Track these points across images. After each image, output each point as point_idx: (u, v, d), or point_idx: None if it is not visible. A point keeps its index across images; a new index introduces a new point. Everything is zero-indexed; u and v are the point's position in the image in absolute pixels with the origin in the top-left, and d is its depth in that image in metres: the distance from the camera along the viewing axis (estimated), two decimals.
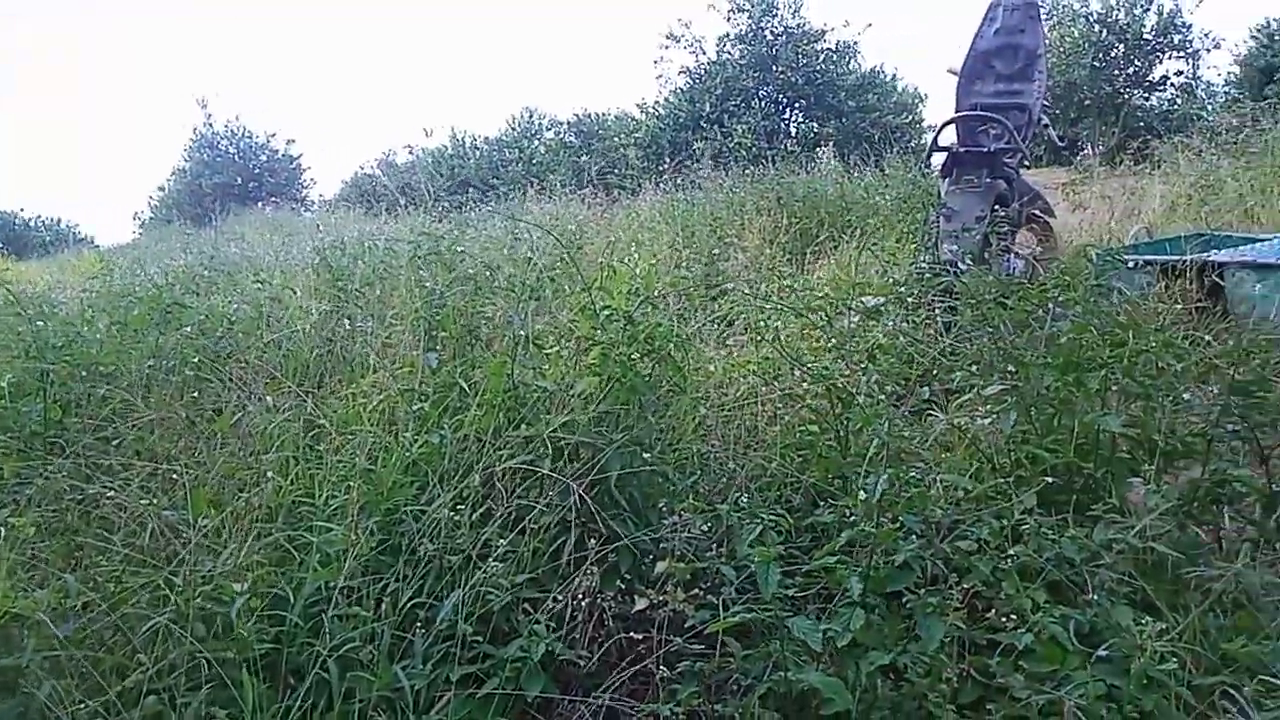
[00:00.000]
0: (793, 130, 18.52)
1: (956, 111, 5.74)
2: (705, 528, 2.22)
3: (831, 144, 12.29)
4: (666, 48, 18.88)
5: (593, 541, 2.29)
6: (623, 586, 2.28)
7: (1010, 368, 2.80)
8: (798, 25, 18.36)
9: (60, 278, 10.28)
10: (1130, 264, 4.45)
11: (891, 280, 4.78)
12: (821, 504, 2.62)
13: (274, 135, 26.37)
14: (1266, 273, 4.13)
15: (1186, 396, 2.53)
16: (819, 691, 1.93)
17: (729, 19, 18.41)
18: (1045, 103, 5.80)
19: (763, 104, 17.97)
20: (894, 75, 19.43)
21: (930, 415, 2.93)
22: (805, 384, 3.19)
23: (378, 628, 2.12)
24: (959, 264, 4.33)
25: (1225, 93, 17.48)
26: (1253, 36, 17.17)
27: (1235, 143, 8.53)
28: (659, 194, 10.09)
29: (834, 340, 3.44)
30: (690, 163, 12.15)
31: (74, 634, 1.97)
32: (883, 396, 2.96)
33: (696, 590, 2.08)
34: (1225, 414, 2.40)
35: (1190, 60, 17.63)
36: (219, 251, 8.52)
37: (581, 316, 2.96)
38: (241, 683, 1.94)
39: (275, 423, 2.91)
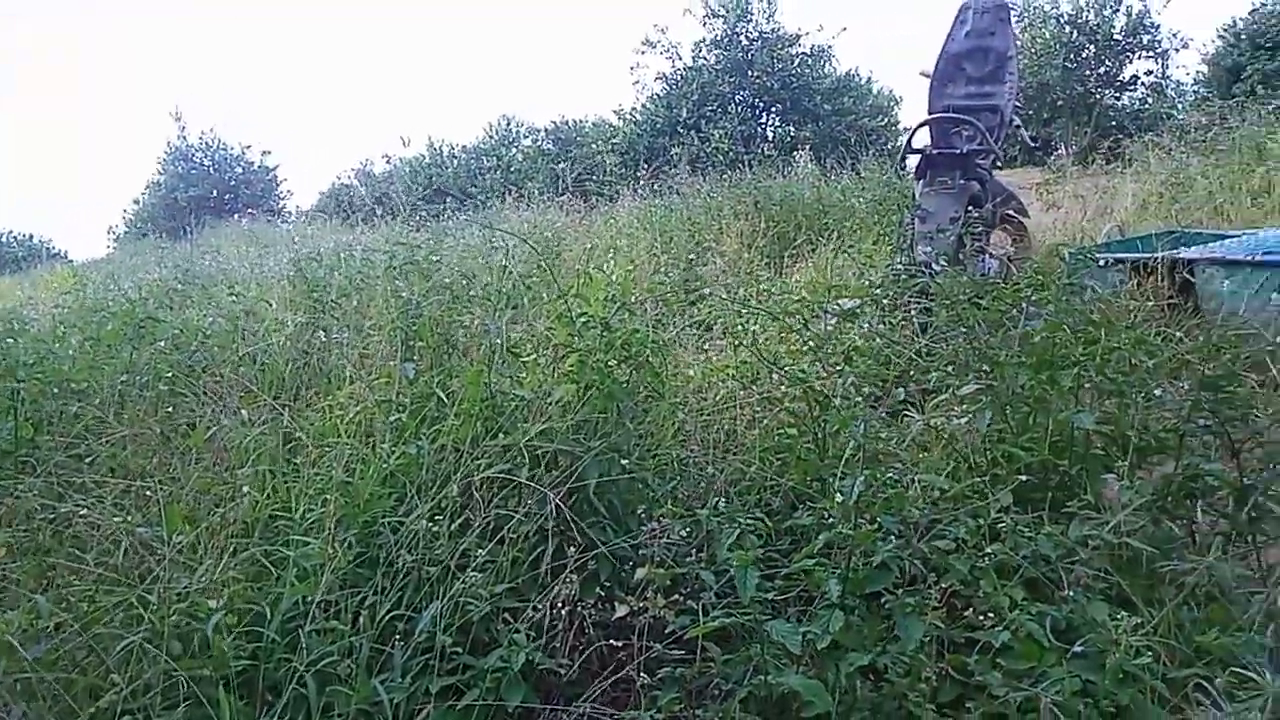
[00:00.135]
0: (769, 134, 18.60)
1: (930, 114, 5.79)
2: (685, 533, 2.22)
3: (808, 147, 12.33)
4: (643, 53, 18.98)
5: (572, 549, 2.28)
6: (602, 594, 2.27)
7: (985, 367, 2.82)
8: (772, 30, 18.47)
9: (32, 294, 10.18)
10: (1102, 262, 4.49)
11: (868, 282, 4.81)
12: (800, 506, 2.62)
13: (249, 147, 26.26)
14: (1235, 269, 4.18)
15: (1159, 393, 2.55)
16: (799, 694, 1.93)
17: (705, 24, 18.51)
18: (1017, 104, 5.86)
19: (739, 109, 18.05)
20: (869, 78, 19.59)
21: (907, 416, 2.94)
22: (783, 387, 3.20)
23: (356, 641, 2.10)
24: (934, 265, 4.36)
25: (1194, 92, 17.74)
26: (1219, 36, 17.41)
27: (1204, 141, 8.65)
28: (637, 200, 10.11)
29: (811, 343, 3.45)
30: (668, 168, 12.18)
31: (46, 655, 1.95)
32: (860, 398, 2.98)
33: (676, 596, 2.08)
34: (1196, 409, 2.43)
35: (1159, 60, 17.90)
36: (194, 265, 8.46)
37: (559, 324, 2.96)
38: (218, 700, 1.92)
39: (251, 436, 2.88)
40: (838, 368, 3.28)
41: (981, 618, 1.99)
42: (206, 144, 25.71)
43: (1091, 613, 1.95)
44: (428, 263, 4.81)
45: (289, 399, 3.60)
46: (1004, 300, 3.21)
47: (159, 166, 25.54)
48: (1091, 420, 2.53)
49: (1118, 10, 17.44)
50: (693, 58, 18.63)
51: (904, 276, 4.39)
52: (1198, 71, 18.09)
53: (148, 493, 2.52)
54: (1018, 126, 6.01)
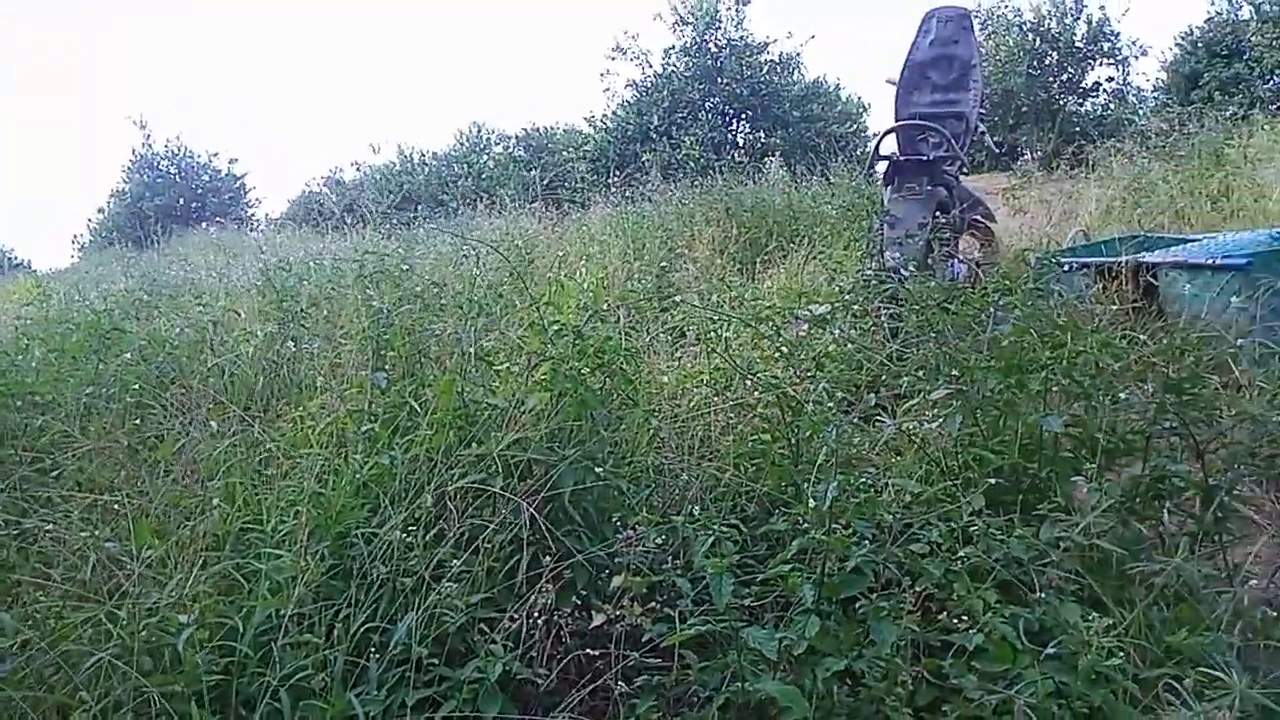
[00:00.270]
0: (740, 141, 18.70)
1: (896, 121, 5.86)
2: (660, 540, 2.22)
3: (778, 154, 12.42)
4: (614, 59, 18.99)
5: (547, 558, 2.28)
6: (579, 603, 2.27)
7: (955, 371, 2.85)
8: (740, 37, 18.58)
9: None
10: (1068, 267, 4.56)
11: (839, 288, 4.85)
12: (775, 512, 2.63)
13: (216, 154, 25.93)
14: (1196, 273, 4.25)
15: (1125, 395, 2.59)
16: (777, 700, 1.94)
17: (674, 31, 18.57)
18: (982, 111, 5.95)
19: (709, 115, 18.13)
20: (837, 85, 19.76)
21: (879, 420, 2.97)
22: (757, 393, 3.21)
23: (330, 654, 2.08)
24: (903, 270, 4.40)
25: (1154, 98, 18.05)
26: (1177, 44, 17.77)
27: (1165, 146, 8.80)
28: (609, 207, 10.11)
29: (784, 349, 3.47)
30: (639, 175, 12.20)
31: (12, 674, 1.91)
32: (832, 404, 3.00)
33: (653, 604, 2.08)
34: (1162, 411, 2.47)
35: (1120, 67, 18.20)
36: (161, 274, 8.35)
37: (531, 332, 2.95)
38: (190, 716, 1.90)
39: (221, 448, 2.85)
40: (810, 373, 3.30)
41: (956, 621, 2.00)
42: (172, 152, 25.38)
43: (1064, 614, 1.97)
44: (399, 271, 4.79)
45: (259, 410, 3.56)
46: (972, 305, 3.25)
47: (124, 175, 25.19)
48: (1060, 423, 2.57)
49: (1079, 18, 17.74)
50: (663, 65, 18.70)
51: (874, 282, 4.43)
52: (1157, 78, 18.46)
53: (116, 507, 2.48)
54: (983, 133, 6.11)
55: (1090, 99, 18.39)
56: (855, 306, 4.09)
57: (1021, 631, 1.94)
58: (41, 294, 7.49)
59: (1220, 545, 2.34)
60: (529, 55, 38.43)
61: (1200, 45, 17.10)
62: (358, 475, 2.56)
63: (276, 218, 22.42)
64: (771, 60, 18.72)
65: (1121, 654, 1.82)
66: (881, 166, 5.69)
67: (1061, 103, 17.86)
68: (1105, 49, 17.86)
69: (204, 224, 21.29)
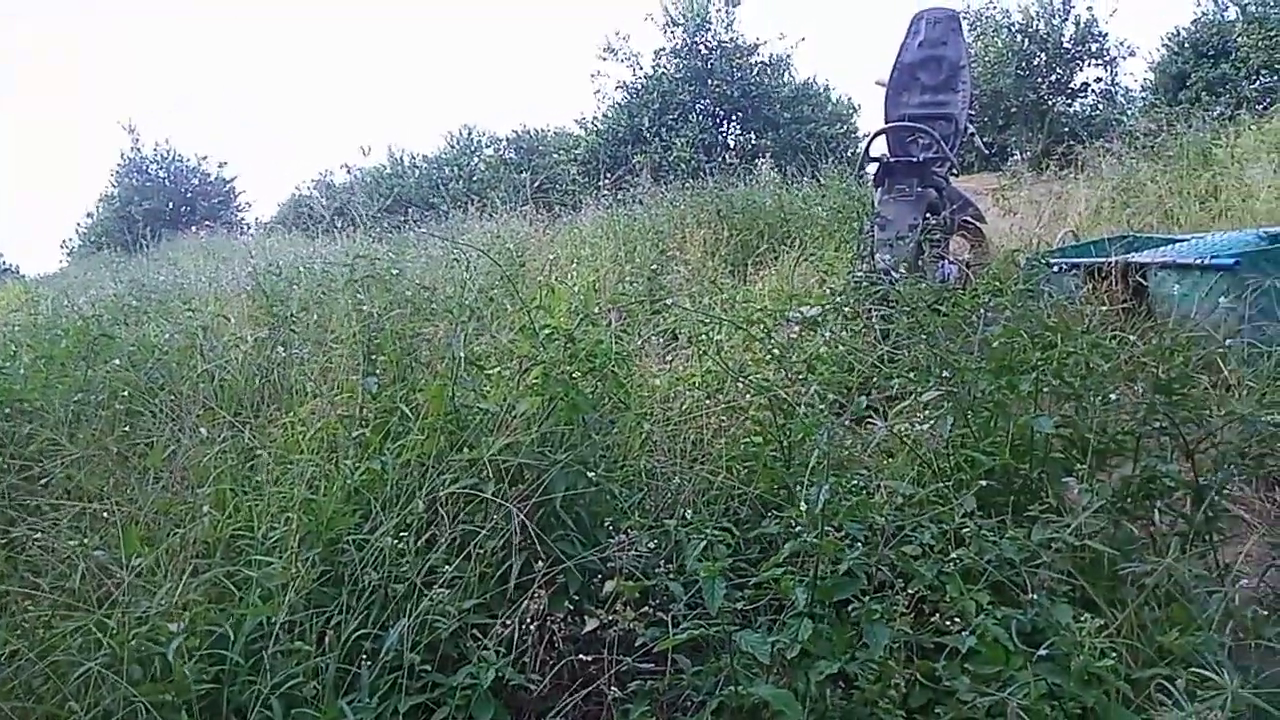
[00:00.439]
0: (730, 143, 18.72)
1: (886, 122, 5.87)
2: (653, 544, 2.22)
3: (769, 155, 12.44)
4: (604, 60, 19.01)
5: (540, 564, 2.27)
6: (571, 608, 2.27)
7: (946, 373, 2.85)
8: (731, 39, 18.60)
9: None
10: (1058, 267, 4.57)
11: (830, 289, 4.85)
12: (768, 515, 2.63)
13: (205, 158, 25.83)
14: (1185, 273, 4.26)
15: (1115, 396, 2.59)
16: (770, 704, 1.93)
17: (665, 32, 18.59)
18: (971, 112, 5.96)
19: (700, 117, 18.14)
20: (827, 86, 19.79)
21: (871, 422, 2.97)
22: (748, 396, 3.21)
23: (322, 662, 2.07)
24: (894, 272, 4.41)
25: (1142, 98, 18.13)
26: (1164, 45, 17.85)
27: (1153, 146, 8.84)
28: (600, 209, 10.11)
29: (775, 351, 3.47)
30: (630, 177, 12.20)
31: (0, 684, 1.89)
32: (824, 406, 3.00)
33: (646, 608, 2.08)
34: (1152, 412, 2.47)
35: (1108, 67, 18.31)
36: (150, 279, 8.31)
37: (522, 336, 2.95)
38: None
39: (211, 455, 2.83)
40: (801, 376, 3.30)
41: (948, 623, 2.01)
42: (161, 156, 25.28)
43: (1056, 615, 1.97)
44: (389, 275, 4.78)
45: (249, 415, 3.54)
46: (963, 306, 3.26)
47: (113, 179, 25.07)
48: (1051, 424, 2.57)
49: (1067, 19, 17.83)
50: (653, 66, 18.72)
51: (865, 283, 4.44)
52: (1145, 79, 18.53)
53: (105, 514, 2.46)
54: (972, 134, 6.12)
55: (1079, 100, 18.50)
56: (846, 308, 4.10)
57: (1014, 633, 1.93)
58: (30, 300, 7.46)
59: (1211, 545, 2.35)
60: (519, 57, 38.48)
61: (1187, 46, 17.18)
62: (349, 481, 2.55)
63: (266, 221, 22.41)
64: (762, 62, 18.76)
65: (1114, 654, 1.82)
66: (872, 168, 5.70)
67: (1050, 103, 17.95)
68: (1093, 50, 17.96)
69: (193, 228, 21.17)
